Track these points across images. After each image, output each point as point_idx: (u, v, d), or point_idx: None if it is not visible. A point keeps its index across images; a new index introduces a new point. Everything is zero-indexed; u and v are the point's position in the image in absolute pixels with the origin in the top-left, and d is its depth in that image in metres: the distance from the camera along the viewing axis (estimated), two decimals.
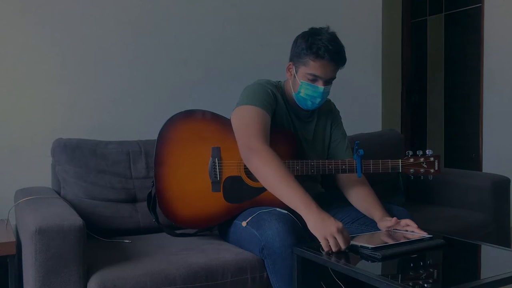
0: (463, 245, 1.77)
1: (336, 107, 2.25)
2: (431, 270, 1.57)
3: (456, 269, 1.58)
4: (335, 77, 2.00)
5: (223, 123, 2.01)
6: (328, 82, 1.98)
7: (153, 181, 2.02)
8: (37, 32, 2.40)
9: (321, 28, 1.99)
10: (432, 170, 2.01)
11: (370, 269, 1.46)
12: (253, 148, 1.83)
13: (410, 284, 1.39)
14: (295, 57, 1.99)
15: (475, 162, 4.09)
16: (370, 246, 1.55)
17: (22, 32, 2.38)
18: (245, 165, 1.95)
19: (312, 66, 1.94)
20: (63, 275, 1.61)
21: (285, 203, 1.77)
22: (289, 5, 2.95)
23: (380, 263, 1.50)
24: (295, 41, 2.02)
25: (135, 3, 2.61)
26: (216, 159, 1.95)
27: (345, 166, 1.98)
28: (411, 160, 2.01)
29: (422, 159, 2.01)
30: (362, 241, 1.62)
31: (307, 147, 2.10)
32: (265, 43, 2.93)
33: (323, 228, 1.61)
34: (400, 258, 1.56)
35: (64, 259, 1.61)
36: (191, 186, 1.97)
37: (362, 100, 3.28)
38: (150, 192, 2.08)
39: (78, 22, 2.48)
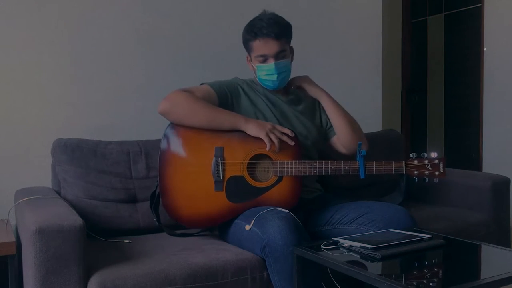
0: (463, 245, 1.77)
1: None
2: (431, 270, 1.57)
3: (456, 269, 1.58)
4: (284, 50, 2.07)
5: None
6: (278, 57, 2.05)
7: (157, 181, 2.02)
8: (38, 33, 2.40)
9: (260, 14, 2.11)
10: (437, 173, 1.96)
11: (370, 269, 1.46)
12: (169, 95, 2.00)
13: (410, 284, 1.39)
14: (245, 48, 2.12)
15: (475, 162, 4.09)
16: (370, 246, 1.55)
17: (22, 32, 2.38)
18: (248, 165, 1.96)
19: (256, 48, 2.05)
20: (63, 275, 1.61)
21: (219, 125, 1.95)
22: (289, 5, 2.95)
23: (380, 263, 1.50)
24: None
25: (135, 4, 2.61)
26: (219, 158, 1.95)
27: (348, 167, 1.97)
28: (415, 162, 1.97)
29: (426, 161, 1.96)
30: (362, 241, 1.62)
31: (297, 122, 2.12)
32: None
33: (262, 128, 1.93)
34: (400, 258, 1.56)
35: (64, 259, 1.61)
36: (194, 185, 1.97)
37: (362, 100, 3.28)
38: (154, 192, 2.08)
39: (78, 23, 2.48)
